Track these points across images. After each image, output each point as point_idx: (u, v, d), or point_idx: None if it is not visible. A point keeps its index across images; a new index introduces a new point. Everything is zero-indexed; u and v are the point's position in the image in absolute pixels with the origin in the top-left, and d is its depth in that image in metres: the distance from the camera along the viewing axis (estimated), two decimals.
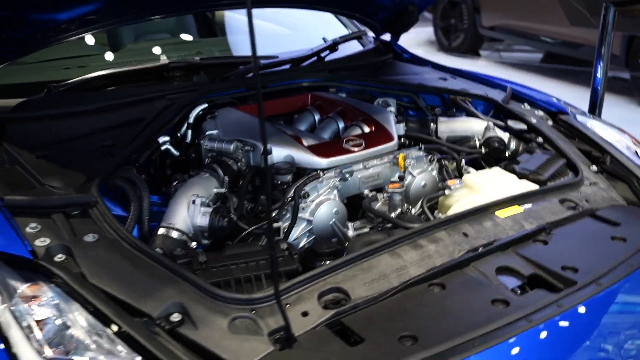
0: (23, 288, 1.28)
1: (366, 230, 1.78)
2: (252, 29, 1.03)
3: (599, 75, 2.88)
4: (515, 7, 7.03)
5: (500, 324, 1.31)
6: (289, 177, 1.74)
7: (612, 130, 2.23)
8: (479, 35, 7.81)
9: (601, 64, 2.83)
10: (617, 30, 2.70)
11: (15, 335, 1.19)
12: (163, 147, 1.85)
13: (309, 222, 1.70)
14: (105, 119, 1.92)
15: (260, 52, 1.06)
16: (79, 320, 1.24)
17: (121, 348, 1.19)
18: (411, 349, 1.24)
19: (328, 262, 1.48)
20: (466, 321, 1.32)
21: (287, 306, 1.33)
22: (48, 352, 1.18)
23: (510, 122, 2.19)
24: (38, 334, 1.20)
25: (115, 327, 1.22)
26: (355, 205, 1.84)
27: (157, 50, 2.56)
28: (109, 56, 2.46)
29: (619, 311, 1.43)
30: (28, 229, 1.43)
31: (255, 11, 2.73)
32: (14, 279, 1.29)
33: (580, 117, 2.28)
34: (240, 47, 2.86)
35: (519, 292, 1.45)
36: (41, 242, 1.39)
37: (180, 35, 2.81)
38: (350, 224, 1.77)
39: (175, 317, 1.28)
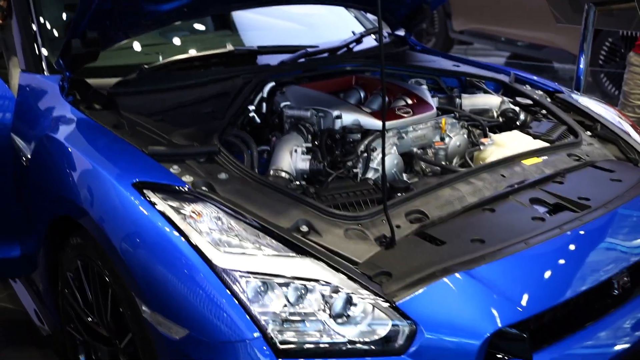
0: (190, 206, 1.68)
1: (416, 179, 2.22)
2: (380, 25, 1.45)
3: (581, 66, 3.42)
4: (485, 13, 7.64)
5: (541, 230, 1.78)
6: (358, 136, 2.18)
7: (600, 105, 2.75)
8: (450, 39, 8.40)
9: (583, 56, 3.36)
10: (598, 27, 3.23)
11: (195, 237, 1.59)
12: (250, 114, 2.26)
13: (376, 170, 2.13)
14: (197, 92, 2.32)
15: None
16: (233, 223, 1.65)
17: (272, 242, 1.61)
18: (482, 247, 1.69)
19: (401, 194, 1.92)
20: (518, 229, 1.78)
21: (383, 221, 1.76)
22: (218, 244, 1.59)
23: (519, 98, 2.68)
24: (206, 230, 1.61)
25: (267, 230, 1.64)
26: (405, 162, 2.29)
27: (209, 39, 2.97)
28: (177, 42, 2.86)
29: (621, 224, 1.91)
30: (172, 170, 1.83)
31: (267, 9, 3.17)
32: (183, 201, 1.69)
33: (574, 95, 2.79)
34: (256, 39, 3.25)
35: (549, 214, 1.92)
36: (187, 179, 1.80)
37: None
38: (404, 174, 2.22)
39: (304, 228, 1.70)
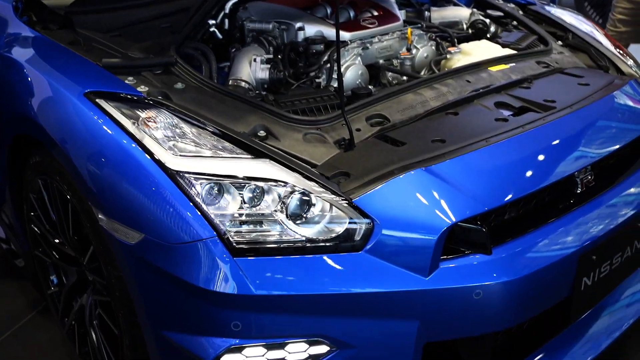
0: (144, 113, 1.64)
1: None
2: None
3: None
4: None
5: (503, 130, 1.76)
6: (322, 47, 2.13)
7: (573, 16, 2.69)
8: None
9: None
10: None
11: (148, 141, 1.56)
12: (211, 29, 2.20)
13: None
14: (154, 10, 2.26)
15: None
16: (188, 129, 1.61)
17: (228, 145, 1.58)
18: (442, 146, 1.67)
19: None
20: (480, 129, 1.76)
21: (342, 125, 1.74)
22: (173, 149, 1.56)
23: (489, 11, 2.62)
24: (161, 136, 1.57)
25: (223, 134, 1.61)
26: (371, 74, 2.24)
27: None
28: None
29: (585, 123, 1.89)
30: (127, 81, 1.78)
31: None
32: (137, 108, 1.66)
33: (547, 7, 2.73)
34: None
35: (513, 116, 1.89)
36: (142, 89, 1.75)
37: None
38: (370, 87, 2.18)
39: (262, 133, 1.68)
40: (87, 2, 2.27)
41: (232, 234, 1.47)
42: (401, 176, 1.56)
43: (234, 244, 1.46)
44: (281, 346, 1.49)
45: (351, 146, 1.67)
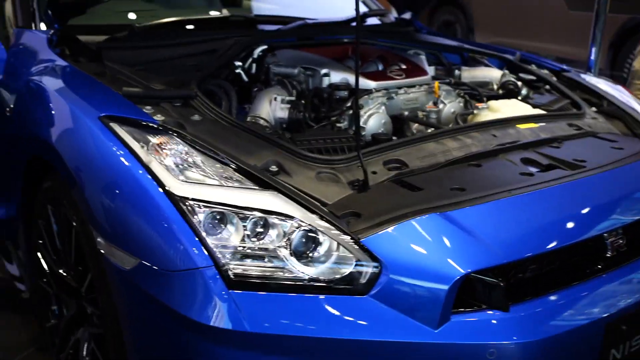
0: (155, 139, 1.61)
1: None
2: None
3: (592, 56, 3.30)
4: (508, 26, 7.54)
5: (529, 183, 1.66)
6: (346, 93, 2.09)
7: (609, 84, 2.62)
8: None
9: (595, 45, 3.25)
10: (612, 12, 3.11)
11: (156, 166, 1.52)
12: (237, 70, 2.19)
13: (362, 128, 2.04)
14: (186, 49, 2.28)
15: None
16: (199, 158, 1.57)
17: (237, 175, 1.52)
18: (461, 194, 1.59)
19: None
20: (503, 181, 1.67)
21: (358, 167, 1.67)
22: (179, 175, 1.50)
23: (521, 74, 2.57)
24: (169, 162, 1.53)
25: (233, 166, 1.56)
26: (396, 127, 2.19)
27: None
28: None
29: (617, 184, 1.78)
30: (145, 110, 1.76)
31: None
32: (149, 134, 1.62)
33: (582, 75, 2.67)
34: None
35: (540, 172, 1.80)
36: (158, 117, 1.73)
37: None
38: (394, 137, 2.12)
39: (273, 168, 1.62)
40: (119, 38, 2.31)
41: (231, 266, 1.39)
42: (414, 219, 1.47)
43: (232, 277, 1.38)
44: None
45: (365, 187, 1.60)
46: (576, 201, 1.66)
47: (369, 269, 1.41)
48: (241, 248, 1.42)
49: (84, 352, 1.85)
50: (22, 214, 2.13)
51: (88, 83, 1.95)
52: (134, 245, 1.45)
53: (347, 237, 1.44)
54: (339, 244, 1.44)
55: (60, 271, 1.96)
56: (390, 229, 1.45)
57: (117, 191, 1.53)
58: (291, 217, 1.45)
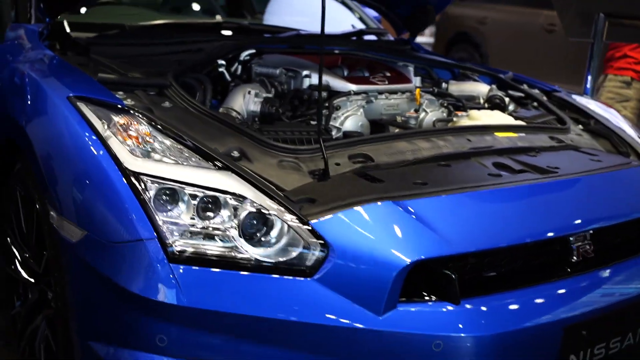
0: (118, 118, 1.61)
1: None
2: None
3: (588, 84, 3.28)
4: (522, 65, 7.54)
5: (495, 182, 1.63)
6: (325, 94, 2.09)
7: (599, 106, 2.59)
8: None
9: (590, 72, 3.22)
10: (608, 40, 3.10)
11: (114, 143, 1.51)
12: (220, 69, 2.20)
13: (338, 129, 2.03)
14: (173, 48, 2.30)
15: None
16: (160, 139, 1.56)
17: (195, 156, 1.51)
18: (423, 187, 1.56)
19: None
20: (468, 179, 1.64)
21: (322, 158, 1.65)
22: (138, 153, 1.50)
23: (511, 92, 2.55)
24: (129, 141, 1.52)
25: (192, 147, 1.55)
26: (374, 130, 2.17)
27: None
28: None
29: (588, 190, 1.74)
30: (117, 95, 1.77)
31: None
32: (113, 113, 1.62)
33: (573, 95, 2.65)
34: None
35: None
36: (127, 102, 1.73)
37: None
38: None
39: (235, 153, 1.61)
40: (109, 35, 2.34)
41: (176, 241, 1.37)
42: (367, 205, 1.44)
43: (175, 252, 1.36)
44: None
45: (325, 176, 1.58)
46: (542, 201, 1.62)
47: (315, 252, 1.39)
48: (190, 226, 1.40)
49: (39, 339, 1.83)
50: None
51: (67, 70, 1.97)
52: (83, 217, 1.45)
53: (297, 220, 1.41)
54: (289, 226, 1.41)
55: (26, 255, 1.95)
56: (341, 214, 1.42)
57: (73, 165, 1.53)
58: (243, 198, 1.43)
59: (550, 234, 1.54)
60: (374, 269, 1.36)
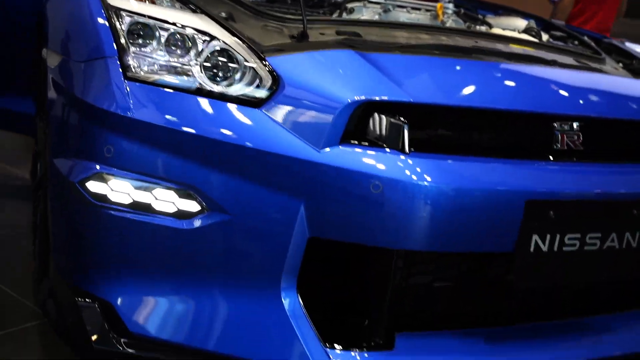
0: None
1: None
2: None
3: None
4: None
5: (477, 56, 1.56)
6: None
7: None
8: None
9: None
10: None
11: None
12: None
13: None
14: None
15: None
16: None
17: (179, 4, 1.56)
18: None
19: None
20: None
21: (310, 28, 1.65)
22: None
23: (553, 31, 2.43)
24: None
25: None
26: None
27: None
28: None
29: (587, 82, 1.62)
30: None
31: None
32: None
33: (627, 43, 2.48)
34: None
35: None
36: None
37: None
38: None
39: (222, 14, 1.64)
40: None
41: (138, 67, 1.42)
42: (328, 51, 1.43)
43: (133, 70, 1.40)
44: (148, 189, 1.37)
45: (303, 38, 1.58)
46: (528, 80, 1.53)
47: (267, 85, 1.39)
48: (157, 59, 1.44)
49: None
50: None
51: None
52: (62, 43, 1.54)
53: (256, 57, 1.43)
54: (251, 68, 1.42)
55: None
56: (300, 55, 1.42)
57: (66, 4, 1.63)
58: (212, 37, 1.46)
59: (524, 108, 1.44)
60: (319, 105, 1.34)
